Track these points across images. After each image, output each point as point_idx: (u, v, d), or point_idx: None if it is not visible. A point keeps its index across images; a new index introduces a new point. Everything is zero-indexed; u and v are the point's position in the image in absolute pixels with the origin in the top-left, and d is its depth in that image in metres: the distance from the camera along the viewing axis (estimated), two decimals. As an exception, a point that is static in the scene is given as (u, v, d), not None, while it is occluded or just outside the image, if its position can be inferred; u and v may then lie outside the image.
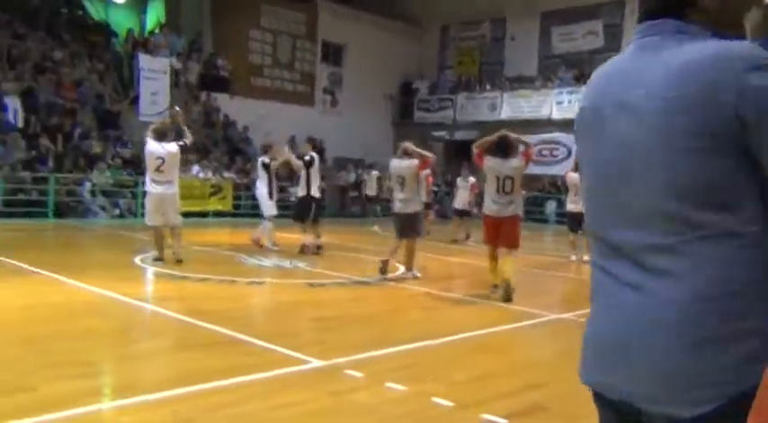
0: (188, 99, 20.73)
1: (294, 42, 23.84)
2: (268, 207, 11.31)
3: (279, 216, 11.65)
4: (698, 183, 1.27)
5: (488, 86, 24.82)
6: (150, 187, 8.85)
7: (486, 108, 24.41)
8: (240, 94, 22.12)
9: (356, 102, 25.10)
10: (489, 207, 7.59)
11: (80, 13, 21.16)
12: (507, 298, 7.13)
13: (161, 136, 8.91)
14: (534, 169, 22.97)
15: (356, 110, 25.01)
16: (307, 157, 10.86)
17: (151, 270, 8.44)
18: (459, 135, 26.96)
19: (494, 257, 7.63)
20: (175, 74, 19.92)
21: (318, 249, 10.97)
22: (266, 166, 11.26)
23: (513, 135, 7.80)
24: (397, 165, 8.65)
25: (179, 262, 8.70)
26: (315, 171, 10.92)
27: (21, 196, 14.82)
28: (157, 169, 8.77)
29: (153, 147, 8.79)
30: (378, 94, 26.10)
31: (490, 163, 7.57)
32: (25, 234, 12.25)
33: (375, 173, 18.37)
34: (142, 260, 9.13)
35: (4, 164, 14.80)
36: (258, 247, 10.88)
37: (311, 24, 24.20)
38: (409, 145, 8.83)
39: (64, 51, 18.85)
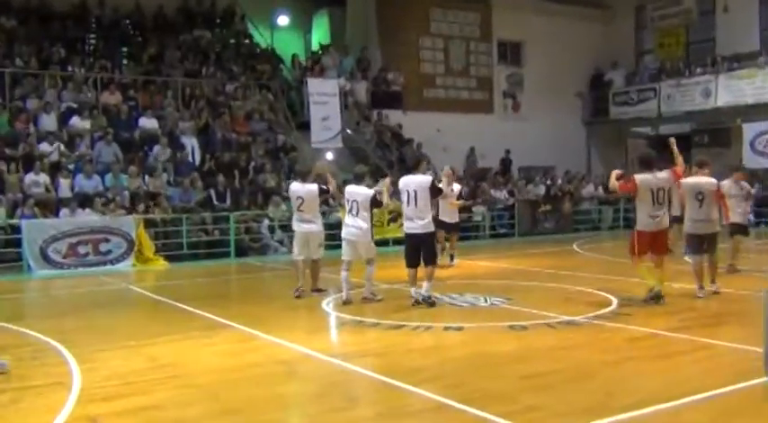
0: (359, 119, 21.51)
1: (467, 46, 24.02)
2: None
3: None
4: None
5: (699, 69, 23.33)
6: (295, 225, 10.27)
7: (697, 95, 22.97)
8: (413, 109, 22.63)
9: (541, 103, 24.70)
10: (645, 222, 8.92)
11: (246, 42, 22.77)
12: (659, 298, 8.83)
13: (303, 176, 10.35)
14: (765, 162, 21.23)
15: (541, 112, 24.60)
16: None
17: (340, 316, 8.76)
18: (666, 129, 25.50)
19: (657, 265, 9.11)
20: (344, 95, 20.75)
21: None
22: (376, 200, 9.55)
23: (674, 148, 9.17)
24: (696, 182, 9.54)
25: (318, 291, 10.22)
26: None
27: (203, 237, 16.11)
28: (299, 208, 10.11)
29: (294, 187, 10.25)
30: (565, 91, 25.53)
31: (641, 179, 8.87)
32: (211, 279, 13.27)
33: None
34: (328, 304, 9.53)
35: (186, 205, 16.19)
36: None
37: (485, 24, 24.25)
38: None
39: (234, 84, 20.35)
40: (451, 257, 13.45)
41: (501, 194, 20.75)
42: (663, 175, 8.91)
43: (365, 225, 9.38)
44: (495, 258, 15.11)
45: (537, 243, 18.31)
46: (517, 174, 23.37)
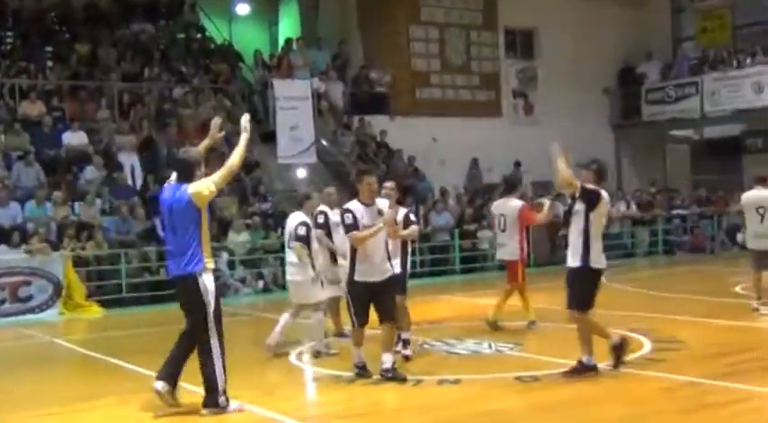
0: (336, 128, 21.66)
1: (468, 36, 24.15)
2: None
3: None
4: None
5: (748, 59, 23.62)
6: None
7: (748, 90, 23.20)
8: (402, 114, 22.75)
9: (558, 103, 24.80)
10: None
11: (198, 36, 22.97)
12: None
13: (300, 204, 10.09)
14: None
15: (559, 114, 24.64)
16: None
17: (313, 370, 8.83)
18: (712, 132, 25.88)
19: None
20: (318, 98, 20.93)
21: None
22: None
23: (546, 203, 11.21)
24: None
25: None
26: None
27: (146, 277, 16.15)
28: None
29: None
30: (588, 88, 25.69)
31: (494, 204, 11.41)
32: (156, 328, 13.18)
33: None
34: (299, 356, 9.58)
35: (125, 238, 16.23)
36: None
37: (489, 8, 24.38)
38: None
39: (183, 88, 20.49)
40: (404, 343, 9.06)
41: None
42: (512, 202, 10.81)
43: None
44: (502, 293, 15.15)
45: (556, 274, 18.18)
46: (531, 190, 23.47)
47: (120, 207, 16.57)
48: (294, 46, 22.56)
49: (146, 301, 15.73)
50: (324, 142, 20.65)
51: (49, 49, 20.84)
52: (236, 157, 6.94)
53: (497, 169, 23.28)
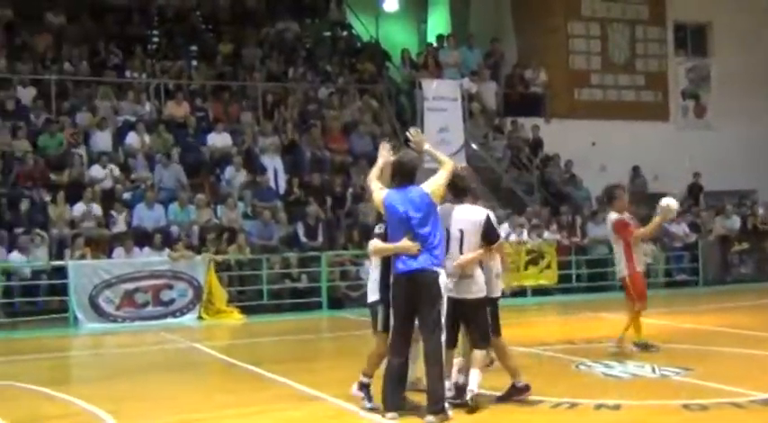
0: (488, 131, 21.67)
1: (633, 31, 23.84)
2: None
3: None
4: None
5: None
6: None
7: None
8: (559, 116, 22.65)
9: (734, 106, 24.22)
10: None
11: (345, 34, 23.45)
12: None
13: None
14: None
15: (735, 118, 24.08)
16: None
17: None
18: None
19: None
20: (469, 99, 20.98)
21: None
22: None
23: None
24: None
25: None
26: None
27: (287, 284, 16.59)
28: None
29: None
30: (768, 89, 24.86)
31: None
32: (297, 337, 13.62)
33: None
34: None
35: (267, 243, 16.72)
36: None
37: (656, 1, 24.07)
38: None
39: (329, 88, 20.94)
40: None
41: (679, 229, 20.30)
42: (610, 216, 10.64)
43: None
44: (669, 314, 14.80)
45: (729, 294, 17.80)
46: (704, 201, 22.82)
47: (262, 211, 17.08)
48: (444, 44, 22.74)
49: (286, 308, 16.23)
50: (474, 146, 20.71)
51: (193, 48, 21.71)
52: (447, 161, 7.22)
53: (664, 177, 22.81)
